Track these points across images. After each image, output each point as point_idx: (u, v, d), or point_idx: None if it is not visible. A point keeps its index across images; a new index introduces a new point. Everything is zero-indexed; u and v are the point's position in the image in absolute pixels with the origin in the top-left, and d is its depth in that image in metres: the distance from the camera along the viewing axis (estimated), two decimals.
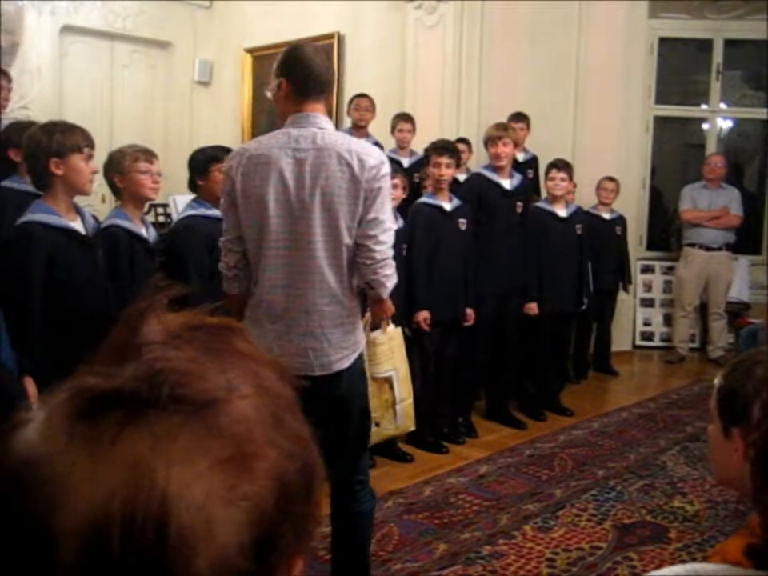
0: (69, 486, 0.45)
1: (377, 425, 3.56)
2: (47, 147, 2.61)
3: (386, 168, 2.60)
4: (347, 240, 2.56)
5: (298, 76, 2.61)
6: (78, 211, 2.74)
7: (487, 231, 4.74)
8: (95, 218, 2.93)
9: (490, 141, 4.78)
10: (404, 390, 3.80)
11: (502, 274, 4.76)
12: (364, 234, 2.55)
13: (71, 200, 2.70)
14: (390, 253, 2.60)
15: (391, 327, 3.69)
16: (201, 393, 0.48)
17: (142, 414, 0.46)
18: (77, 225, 2.69)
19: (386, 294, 2.70)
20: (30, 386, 2.47)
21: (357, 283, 2.64)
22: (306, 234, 2.56)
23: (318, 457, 0.54)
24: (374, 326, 3.56)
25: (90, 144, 2.69)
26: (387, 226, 2.58)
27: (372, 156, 2.57)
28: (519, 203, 4.89)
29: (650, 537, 3.35)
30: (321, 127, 2.59)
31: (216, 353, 0.51)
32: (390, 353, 3.70)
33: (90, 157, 2.68)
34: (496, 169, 4.83)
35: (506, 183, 4.83)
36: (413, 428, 4.02)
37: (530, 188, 5.20)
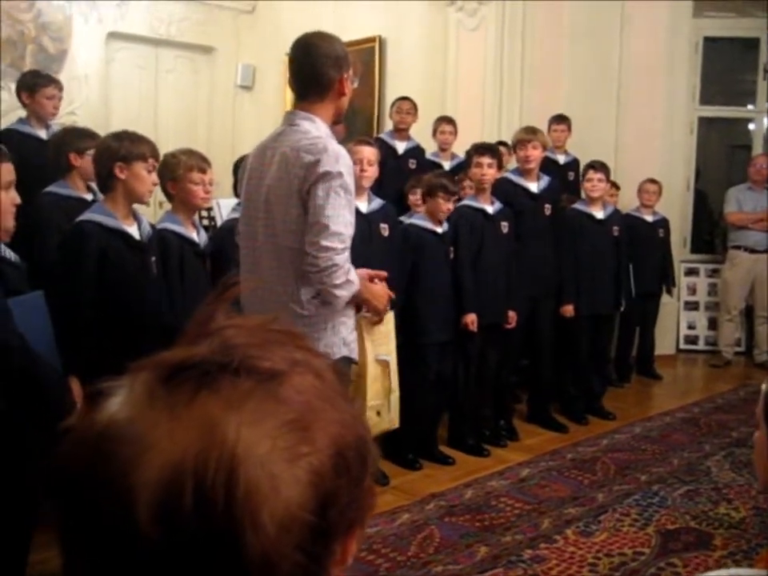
0: (148, 445, 0.49)
1: (378, 414, 3.27)
2: (116, 152, 2.74)
3: (329, 166, 2.39)
4: (287, 243, 2.46)
5: (289, 74, 2.63)
6: (136, 217, 2.83)
7: (515, 234, 4.73)
8: (152, 225, 3.01)
9: (518, 144, 4.79)
10: (395, 380, 3.40)
11: (531, 277, 4.74)
12: (307, 241, 2.42)
13: (130, 206, 2.80)
14: (340, 259, 2.41)
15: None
16: (268, 364, 0.53)
17: (216, 379, 0.51)
18: (132, 230, 2.78)
19: (339, 304, 2.50)
20: (75, 385, 2.52)
21: (310, 293, 2.48)
22: (254, 237, 2.55)
23: (370, 435, 0.58)
24: (379, 317, 3.15)
25: (156, 156, 2.81)
26: (333, 230, 2.39)
27: (311, 153, 2.41)
28: (547, 206, 4.87)
29: (694, 543, 3.31)
30: (292, 123, 2.53)
31: (278, 342, 0.56)
32: (386, 335, 3.34)
33: (153, 167, 2.80)
34: (523, 172, 4.83)
35: (533, 186, 4.83)
36: (397, 425, 3.50)
37: (558, 190, 5.17)
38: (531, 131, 4.79)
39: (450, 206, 4.23)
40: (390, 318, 3.30)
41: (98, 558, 0.50)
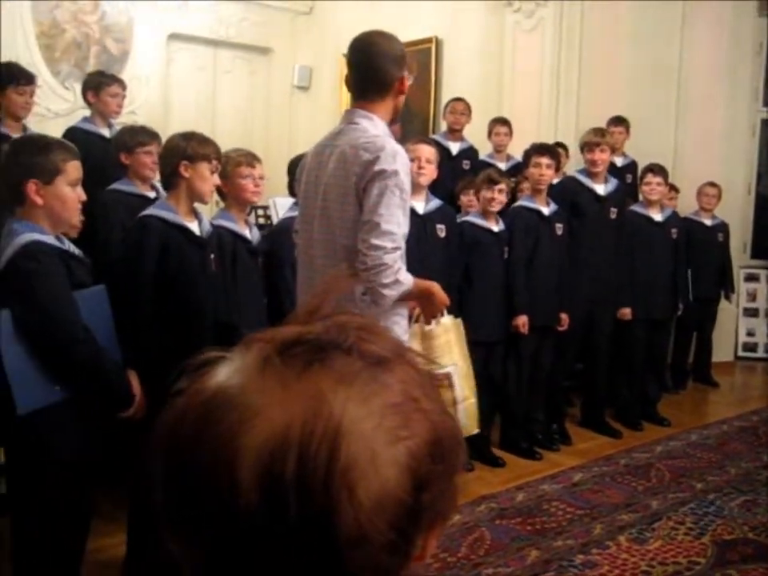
0: (257, 411, 0.51)
1: None
2: (183, 151, 2.80)
3: (386, 164, 2.39)
4: (343, 240, 2.48)
5: (348, 72, 2.63)
6: (197, 215, 2.89)
7: (579, 236, 4.68)
8: (212, 224, 3.07)
9: (586, 146, 4.72)
10: (466, 389, 3.27)
11: (592, 280, 4.69)
12: (359, 238, 2.42)
13: (192, 204, 2.87)
14: (389, 258, 2.39)
15: (446, 318, 3.13)
16: (377, 350, 0.55)
17: (329, 355, 0.53)
18: (193, 226, 2.84)
19: (386, 304, 2.46)
20: (134, 379, 2.58)
21: (362, 291, 2.46)
22: (311, 234, 2.58)
23: (461, 431, 0.59)
24: (427, 320, 3.05)
25: (219, 158, 2.87)
26: (385, 228, 2.38)
27: (369, 151, 2.41)
28: (613, 209, 4.80)
29: (752, 555, 3.23)
30: (352, 122, 2.54)
31: (383, 333, 0.59)
32: (447, 346, 3.18)
33: (216, 169, 2.86)
34: (591, 174, 4.77)
35: (600, 188, 4.76)
36: (476, 430, 3.42)
37: (625, 193, 5.10)
38: (600, 134, 4.73)
39: (496, 195, 4.19)
40: (448, 327, 3.16)
41: (195, 524, 0.51)
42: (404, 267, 2.48)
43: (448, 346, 3.19)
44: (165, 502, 0.54)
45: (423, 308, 2.78)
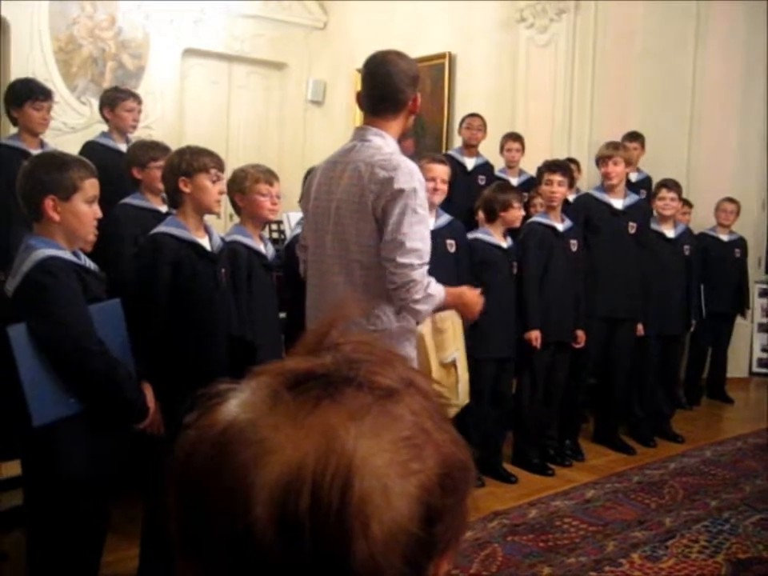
0: (270, 447, 0.51)
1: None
2: (178, 167, 2.80)
3: (404, 183, 2.43)
4: (356, 256, 2.51)
5: (362, 89, 2.66)
6: (207, 230, 2.89)
7: (597, 251, 4.67)
8: (223, 239, 3.07)
9: (600, 160, 4.74)
10: (462, 367, 3.50)
11: (612, 296, 4.67)
12: (384, 257, 2.46)
13: (200, 218, 2.87)
14: (417, 275, 2.45)
15: (446, 312, 3.22)
16: (387, 382, 0.55)
17: (339, 391, 0.54)
18: (203, 241, 2.84)
19: (422, 318, 2.56)
20: (149, 391, 2.60)
21: (376, 308, 2.51)
22: (323, 249, 2.60)
23: (472, 460, 0.59)
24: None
25: (218, 166, 2.85)
26: (410, 246, 2.43)
27: (385, 169, 2.45)
28: (632, 223, 4.79)
29: (767, 575, 3.21)
30: (364, 139, 2.57)
31: (391, 361, 0.59)
32: (452, 335, 3.40)
33: (217, 178, 2.84)
34: (606, 188, 4.77)
35: (617, 203, 4.76)
36: (467, 401, 3.62)
37: (646, 209, 5.08)
38: (613, 147, 4.74)
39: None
40: (447, 316, 3.30)
41: (211, 557, 0.52)
42: (433, 280, 2.54)
43: (453, 334, 3.38)
44: (180, 533, 0.54)
45: (461, 313, 2.91)
